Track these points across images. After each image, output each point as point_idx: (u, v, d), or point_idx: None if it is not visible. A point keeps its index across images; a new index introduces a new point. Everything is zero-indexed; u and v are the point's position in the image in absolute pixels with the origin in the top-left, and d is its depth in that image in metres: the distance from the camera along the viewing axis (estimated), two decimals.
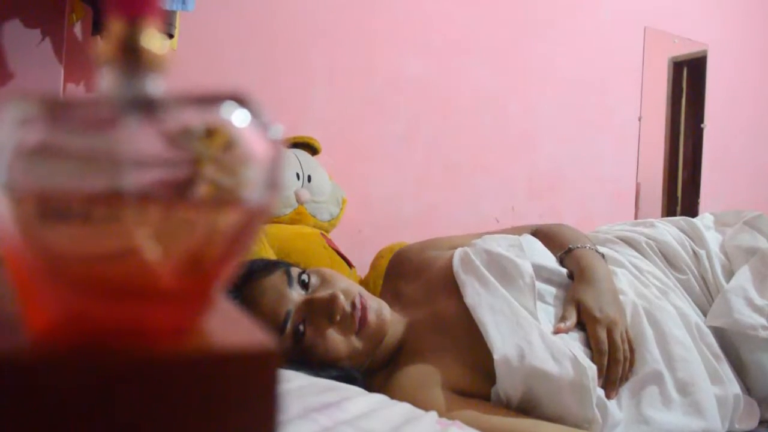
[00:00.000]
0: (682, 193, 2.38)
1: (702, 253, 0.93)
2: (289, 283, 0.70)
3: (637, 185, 2.26)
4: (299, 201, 1.25)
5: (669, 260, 0.94)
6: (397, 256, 0.93)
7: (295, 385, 0.58)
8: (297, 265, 0.77)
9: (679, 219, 1.04)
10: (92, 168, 0.19)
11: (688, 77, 2.40)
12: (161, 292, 0.20)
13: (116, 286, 0.20)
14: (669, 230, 0.98)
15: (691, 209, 2.34)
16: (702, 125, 2.42)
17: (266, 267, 0.73)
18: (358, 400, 0.57)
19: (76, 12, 1.16)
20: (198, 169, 0.19)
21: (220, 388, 0.19)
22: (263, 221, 0.21)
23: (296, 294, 0.70)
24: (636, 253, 0.94)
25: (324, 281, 0.72)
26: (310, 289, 0.72)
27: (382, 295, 0.89)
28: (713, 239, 0.96)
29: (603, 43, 2.09)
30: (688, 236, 0.98)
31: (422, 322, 0.77)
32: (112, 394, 0.18)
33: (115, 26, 0.20)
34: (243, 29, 1.40)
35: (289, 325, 0.68)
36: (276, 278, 0.71)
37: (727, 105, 2.46)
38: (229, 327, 0.22)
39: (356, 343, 0.70)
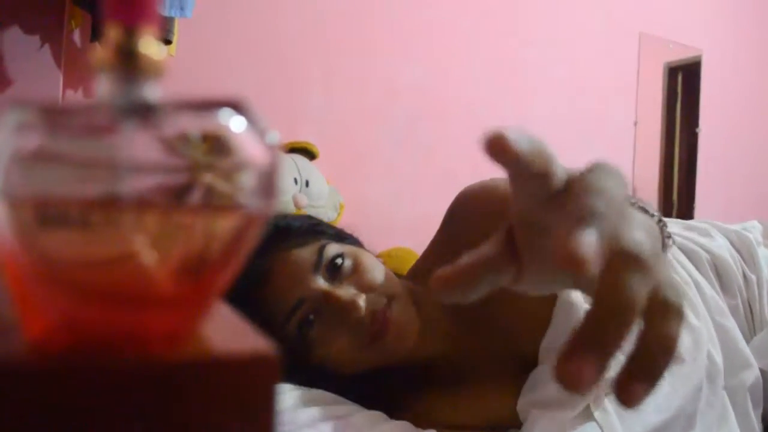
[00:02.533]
0: (677, 198, 2.39)
1: (753, 278, 0.81)
2: (317, 265, 0.61)
3: (633, 190, 2.27)
4: (297, 206, 1.25)
5: (722, 281, 0.80)
6: (470, 210, 0.72)
7: (305, 395, 0.58)
8: (341, 236, 0.68)
9: (731, 230, 0.88)
10: (90, 174, 0.19)
11: (683, 82, 2.41)
12: (159, 298, 0.20)
13: (113, 291, 0.20)
14: (725, 243, 0.84)
15: (686, 213, 2.35)
16: (697, 130, 2.43)
17: (303, 235, 0.64)
18: (362, 414, 0.58)
19: (75, 18, 1.16)
20: (195, 176, 0.19)
21: (217, 394, 0.19)
22: (261, 227, 0.21)
23: (319, 281, 0.61)
24: (698, 274, 0.78)
25: (356, 271, 0.62)
26: (338, 278, 0.62)
27: (432, 248, 0.75)
28: (765, 260, 0.84)
29: (598, 49, 2.10)
30: (740, 254, 0.84)
31: (466, 357, 0.67)
32: (107, 401, 0.18)
33: (113, 33, 0.20)
34: (241, 35, 1.41)
35: (297, 315, 0.61)
36: (305, 254, 0.62)
37: (722, 110, 2.47)
38: (228, 333, 0.22)
39: (363, 354, 0.62)
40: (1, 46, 1.11)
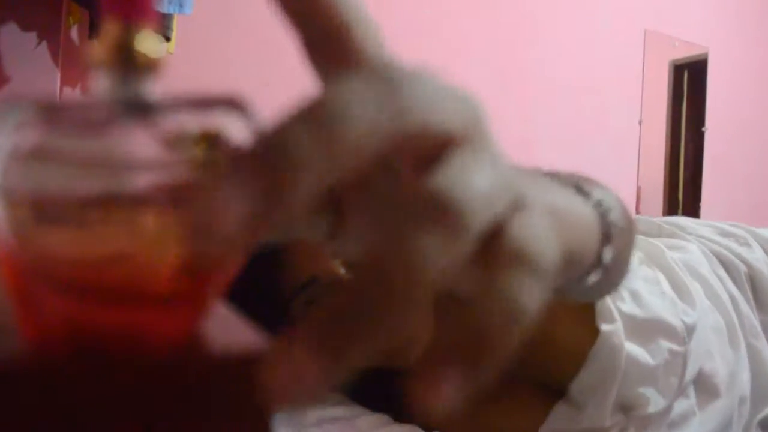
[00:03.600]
0: (683, 197, 2.39)
1: None
2: None
3: (638, 189, 2.27)
4: None
5: (757, 296, 0.75)
6: None
7: None
8: None
9: (764, 238, 0.82)
10: (87, 172, 0.19)
11: (689, 80, 2.40)
12: (157, 298, 0.20)
13: (111, 290, 0.20)
14: (761, 255, 0.78)
15: (692, 213, 2.34)
16: (703, 128, 2.42)
17: None
18: (367, 417, 0.58)
19: (72, 15, 1.17)
20: (193, 173, 0.19)
21: (215, 393, 0.19)
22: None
23: (338, 264, 0.57)
24: (736, 289, 0.73)
25: None
26: None
27: None
28: None
29: (603, 47, 2.10)
30: None
31: None
32: (104, 401, 0.18)
33: (110, 29, 0.20)
34: (240, 33, 1.41)
35: (306, 292, 0.57)
36: None
37: (728, 108, 2.46)
38: (227, 332, 0.22)
39: None
40: None
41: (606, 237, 0.30)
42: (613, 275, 0.34)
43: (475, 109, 0.18)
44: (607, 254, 0.30)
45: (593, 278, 0.30)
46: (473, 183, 0.15)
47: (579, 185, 0.31)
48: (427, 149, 0.16)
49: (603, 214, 0.30)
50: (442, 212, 0.14)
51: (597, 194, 0.31)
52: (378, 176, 0.19)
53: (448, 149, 0.16)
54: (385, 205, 0.20)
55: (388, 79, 0.15)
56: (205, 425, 0.19)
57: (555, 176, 0.32)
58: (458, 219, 0.14)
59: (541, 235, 0.17)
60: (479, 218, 0.15)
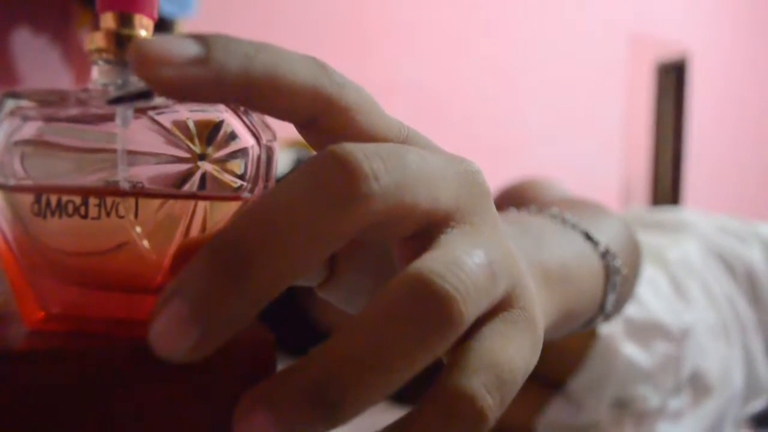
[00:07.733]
0: (665, 197, 2.40)
1: None
2: None
3: (622, 188, 2.28)
4: None
5: (756, 294, 0.75)
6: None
7: None
8: None
9: (765, 235, 0.81)
10: (86, 162, 0.19)
11: (673, 81, 2.42)
12: (156, 287, 0.20)
13: (110, 280, 0.20)
14: (759, 254, 0.78)
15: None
16: (686, 129, 2.44)
17: None
18: None
19: (83, 18, 1.16)
20: (193, 165, 0.19)
21: (211, 380, 0.19)
22: None
23: None
24: (735, 288, 0.73)
25: None
26: None
27: None
28: None
29: (588, 47, 2.11)
30: None
31: None
32: (106, 385, 0.18)
33: (107, 19, 0.20)
34: (241, 34, 1.41)
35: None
36: None
37: (712, 108, 2.49)
38: None
39: None
40: (9, 45, 1.11)
41: (610, 286, 0.29)
42: (614, 315, 0.34)
43: (472, 184, 0.17)
44: (610, 302, 0.30)
45: (594, 323, 0.30)
46: (463, 269, 0.14)
47: (587, 231, 0.29)
48: (417, 225, 0.16)
49: (609, 263, 0.29)
50: (425, 305, 0.13)
51: (604, 238, 0.30)
52: (371, 238, 0.19)
53: (439, 226, 0.16)
54: (376, 268, 0.20)
55: (378, 153, 0.14)
56: (201, 409, 0.19)
57: (567, 209, 0.31)
58: (443, 314, 0.13)
59: (519, 335, 0.17)
60: (466, 314, 0.14)
